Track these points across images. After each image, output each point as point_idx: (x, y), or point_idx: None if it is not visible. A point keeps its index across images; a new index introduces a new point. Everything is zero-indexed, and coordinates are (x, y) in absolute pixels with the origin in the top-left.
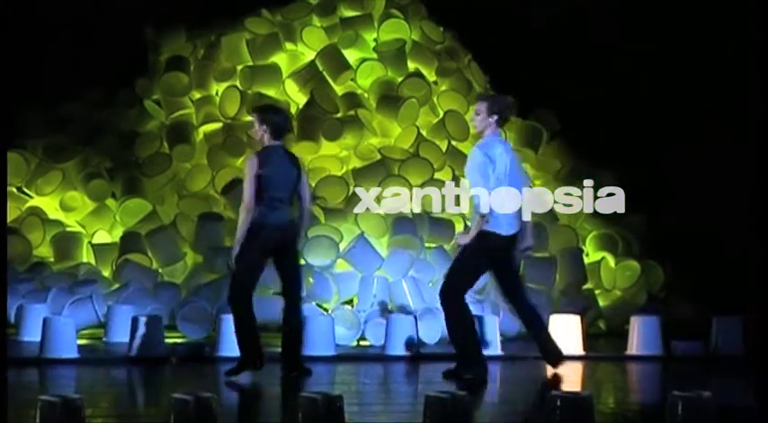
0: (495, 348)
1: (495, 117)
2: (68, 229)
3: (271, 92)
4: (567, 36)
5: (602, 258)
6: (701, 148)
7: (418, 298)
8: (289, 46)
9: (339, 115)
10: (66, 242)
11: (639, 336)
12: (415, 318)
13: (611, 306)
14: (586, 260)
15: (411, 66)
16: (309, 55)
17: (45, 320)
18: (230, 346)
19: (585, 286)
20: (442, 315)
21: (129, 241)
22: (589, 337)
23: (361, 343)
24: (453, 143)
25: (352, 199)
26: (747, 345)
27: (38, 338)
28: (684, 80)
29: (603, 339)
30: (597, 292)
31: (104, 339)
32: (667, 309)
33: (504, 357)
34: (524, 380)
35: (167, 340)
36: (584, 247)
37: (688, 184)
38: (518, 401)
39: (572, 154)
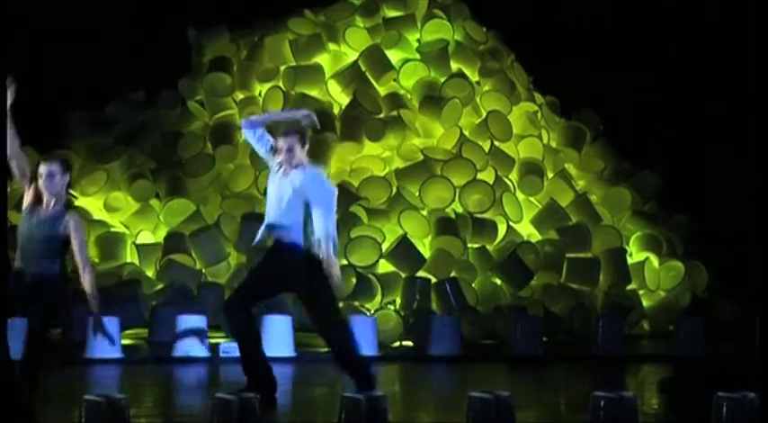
0: (537, 349)
1: (307, 146)
2: (112, 229)
3: (314, 92)
4: (609, 35)
5: (646, 259)
6: (744, 147)
7: (461, 298)
8: (332, 46)
9: (382, 116)
10: (110, 242)
11: (683, 336)
12: (458, 318)
13: (655, 307)
14: (630, 260)
15: (454, 66)
16: (352, 55)
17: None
18: (273, 346)
19: (629, 287)
20: (484, 317)
21: (173, 241)
22: (633, 338)
23: (404, 343)
24: (496, 143)
25: (395, 199)
26: None
27: (83, 338)
28: (725, 80)
29: (647, 340)
30: (641, 292)
31: (149, 339)
32: (711, 309)
33: (546, 357)
34: (568, 380)
35: (211, 340)
36: (627, 248)
37: (731, 184)
38: (561, 402)
39: (615, 154)
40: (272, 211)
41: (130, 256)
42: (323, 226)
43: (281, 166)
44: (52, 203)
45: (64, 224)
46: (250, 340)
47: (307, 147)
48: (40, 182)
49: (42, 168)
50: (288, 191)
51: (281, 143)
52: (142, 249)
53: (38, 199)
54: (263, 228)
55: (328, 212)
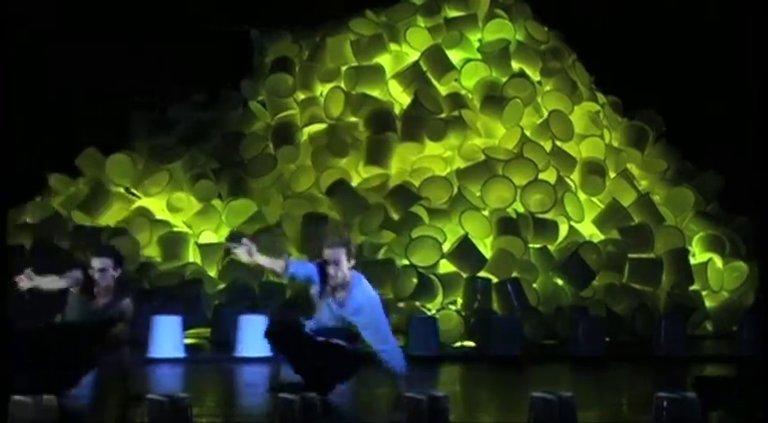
0: (599, 349)
1: (353, 260)
2: (175, 229)
3: (375, 92)
4: (669, 37)
5: (710, 259)
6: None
7: (522, 298)
8: (393, 46)
9: (443, 116)
10: (173, 242)
11: (747, 337)
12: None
13: (719, 307)
14: (693, 261)
15: (515, 66)
16: (413, 55)
17: (153, 320)
18: None
19: (692, 287)
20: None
21: (235, 241)
22: (696, 339)
23: (465, 343)
24: (558, 143)
25: (456, 199)
26: None
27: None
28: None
29: (711, 340)
30: (704, 293)
31: (211, 338)
32: None
33: (608, 358)
34: (630, 381)
35: None
36: (690, 248)
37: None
38: (624, 402)
39: (678, 155)
40: (324, 325)
41: (193, 256)
42: (394, 363)
43: (325, 284)
44: (102, 293)
45: (116, 311)
46: (292, 341)
47: (353, 261)
48: (93, 274)
49: (95, 263)
50: (340, 319)
51: (327, 255)
52: (205, 249)
53: (88, 288)
54: (314, 327)
55: (386, 335)
